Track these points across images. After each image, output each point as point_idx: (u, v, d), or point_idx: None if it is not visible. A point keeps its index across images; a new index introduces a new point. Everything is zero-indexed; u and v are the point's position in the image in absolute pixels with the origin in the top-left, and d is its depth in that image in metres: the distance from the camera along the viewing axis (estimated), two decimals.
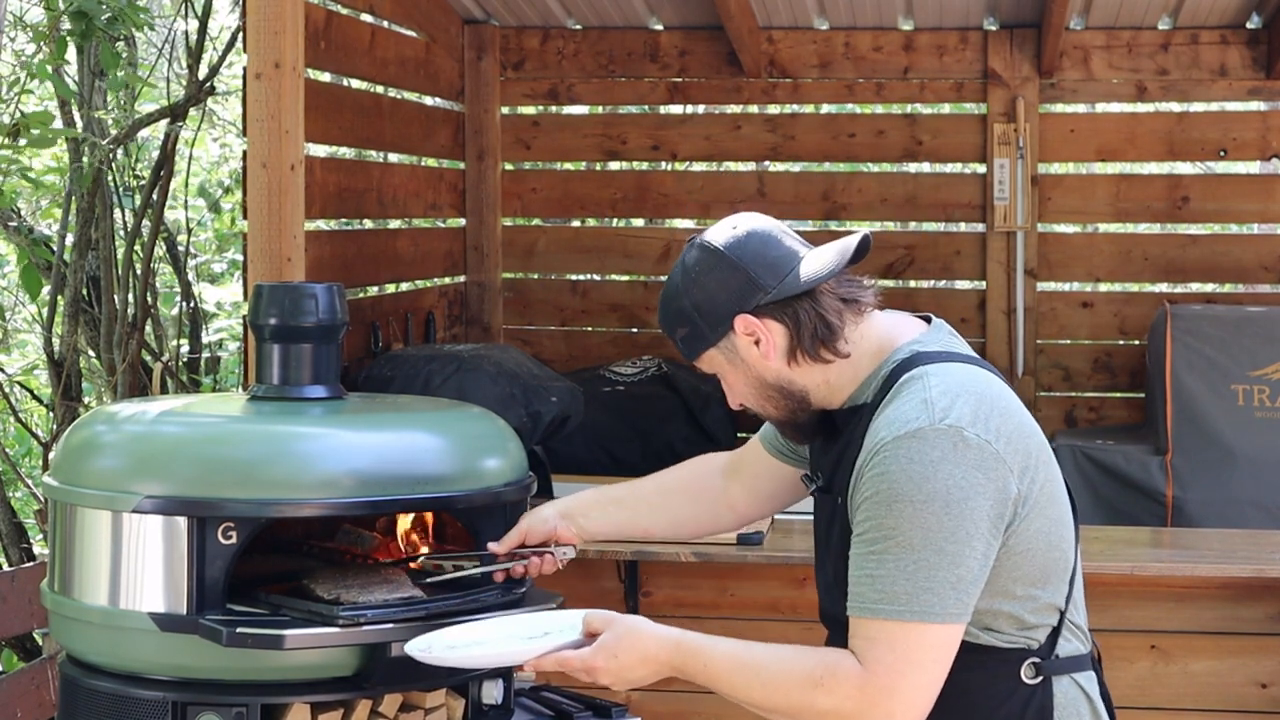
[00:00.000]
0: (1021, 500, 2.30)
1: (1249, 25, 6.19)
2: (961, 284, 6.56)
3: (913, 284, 6.63)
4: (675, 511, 2.86)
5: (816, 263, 2.40)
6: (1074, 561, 2.43)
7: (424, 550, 2.86)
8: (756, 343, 2.40)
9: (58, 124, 5.97)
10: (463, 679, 2.71)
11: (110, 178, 6.02)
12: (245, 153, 4.13)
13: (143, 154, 6.77)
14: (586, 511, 2.83)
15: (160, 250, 6.61)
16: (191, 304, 6.85)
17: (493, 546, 2.73)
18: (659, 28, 6.52)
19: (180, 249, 6.85)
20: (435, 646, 2.44)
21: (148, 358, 6.14)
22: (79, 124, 6.06)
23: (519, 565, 2.73)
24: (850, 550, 2.31)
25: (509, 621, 2.57)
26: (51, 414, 6.40)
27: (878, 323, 2.44)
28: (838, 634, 2.47)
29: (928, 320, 2.50)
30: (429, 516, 2.88)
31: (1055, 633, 2.39)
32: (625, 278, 6.67)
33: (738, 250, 2.40)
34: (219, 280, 7.92)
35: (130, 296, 5.92)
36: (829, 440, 2.48)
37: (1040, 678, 2.38)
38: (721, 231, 2.44)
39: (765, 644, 2.35)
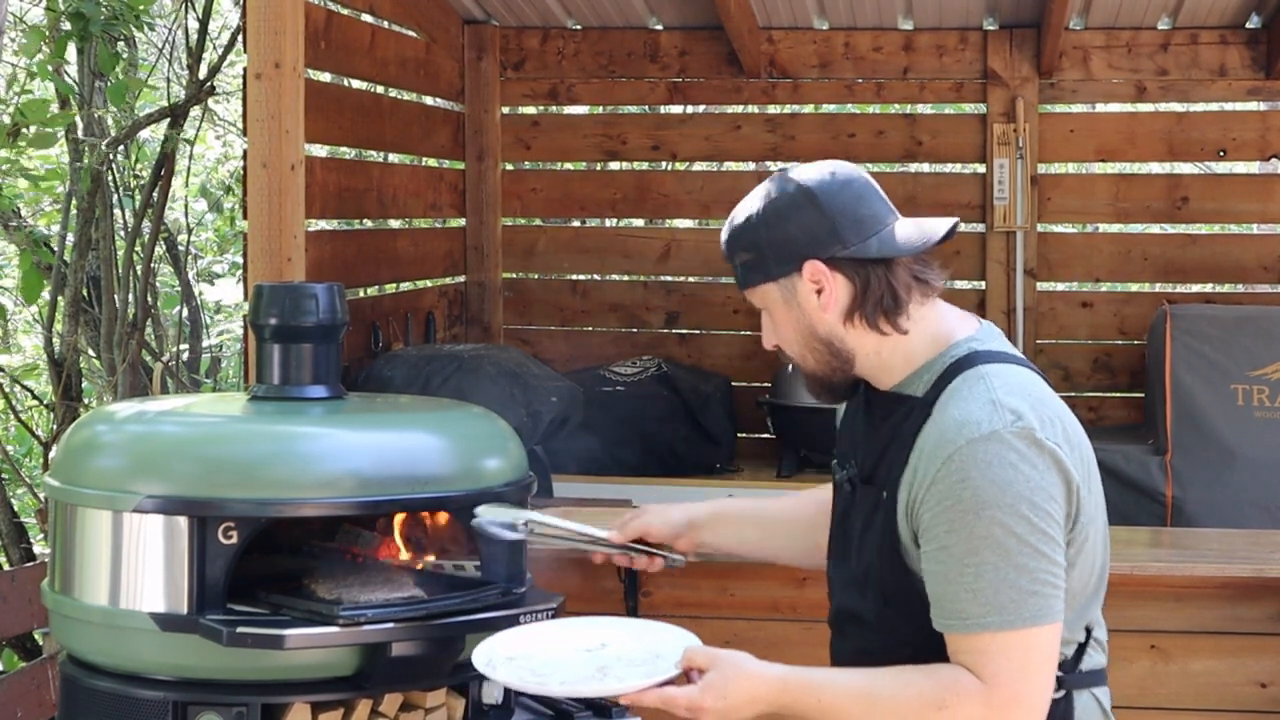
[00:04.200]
0: (1080, 510, 2.26)
1: (1249, 25, 6.20)
2: (961, 284, 6.56)
3: None
4: (808, 540, 2.71)
5: (903, 233, 2.33)
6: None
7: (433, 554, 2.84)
8: (819, 292, 2.33)
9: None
10: (464, 679, 2.71)
11: (110, 178, 6.02)
12: (245, 153, 4.14)
13: (143, 154, 6.77)
14: (714, 524, 2.73)
15: (160, 250, 6.61)
16: (192, 304, 6.85)
17: (611, 535, 2.68)
18: (659, 28, 6.52)
19: (181, 249, 6.85)
20: (495, 659, 2.39)
21: (148, 358, 6.14)
22: (79, 124, 6.06)
23: (625, 557, 2.68)
24: (927, 563, 2.24)
25: (564, 628, 2.51)
26: (52, 414, 6.40)
27: (936, 310, 2.38)
28: (854, 631, 2.44)
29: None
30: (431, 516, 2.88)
31: (1082, 647, 2.36)
32: (625, 278, 6.67)
33: (829, 196, 2.32)
34: (219, 280, 7.92)
35: (130, 297, 5.91)
36: (869, 427, 2.42)
37: (1062, 691, 2.33)
38: (816, 172, 2.35)
39: (873, 670, 2.28)
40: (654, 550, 2.70)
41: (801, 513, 2.76)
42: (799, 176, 2.36)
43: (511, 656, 2.40)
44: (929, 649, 2.29)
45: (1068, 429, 2.27)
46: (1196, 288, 6.44)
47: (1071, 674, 2.35)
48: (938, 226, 2.35)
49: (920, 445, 2.26)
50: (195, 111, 6.30)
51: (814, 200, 2.32)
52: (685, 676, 2.30)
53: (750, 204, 2.39)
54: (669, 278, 6.60)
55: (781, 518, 2.78)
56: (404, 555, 2.79)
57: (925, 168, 7.65)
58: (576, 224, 7.20)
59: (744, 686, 2.26)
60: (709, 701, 2.25)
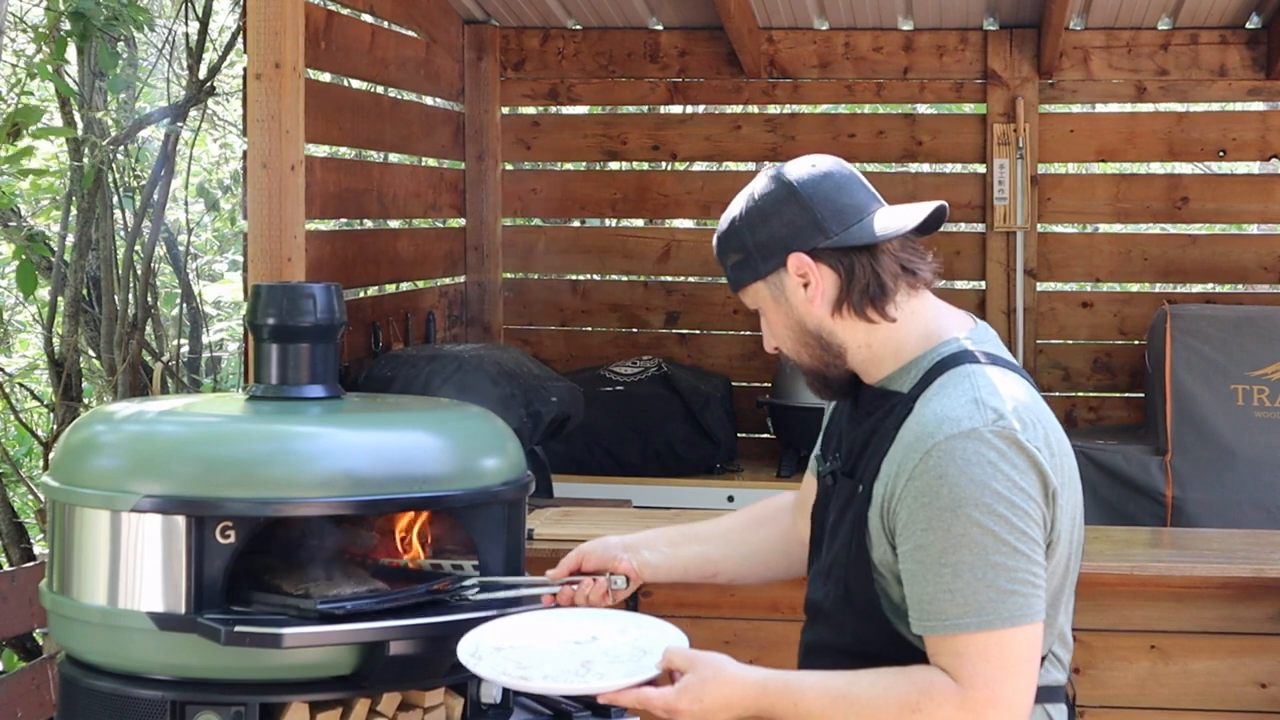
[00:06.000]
0: (1055, 521, 2.23)
1: (1249, 25, 6.20)
2: (961, 284, 6.56)
3: None
4: (748, 546, 2.72)
5: (886, 220, 2.32)
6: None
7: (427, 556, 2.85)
8: (805, 285, 2.32)
9: (57, 122, 5.97)
10: (463, 678, 2.71)
11: (110, 178, 6.02)
12: (245, 153, 4.14)
13: (143, 154, 6.77)
14: (653, 545, 2.70)
15: (160, 250, 6.61)
16: (192, 304, 6.85)
17: (550, 572, 2.65)
18: (659, 28, 6.52)
19: (180, 249, 6.85)
20: (482, 648, 2.39)
21: (148, 358, 6.14)
22: (79, 124, 6.06)
23: (567, 589, 2.63)
24: (905, 564, 2.21)
25: (556, 619, 2.52)
26: (52, 414, 6.40)
27: (930, 306, 2.36)
28: (814, 623, 2.44)
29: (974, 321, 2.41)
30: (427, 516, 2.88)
31: (1040, 660, 2.29)
32: (625, 278, 6.67)
33: (810, 188, 2.32)
34: (219, 280, 7.92)
35: (130, 296, 5.91)
36: (854, 421, 2.40)
37: None
38: (799, 167, 2.36)
39: (852, 674, 2.25)
40: (595, 574, 2.64)
41: (738, 521, 2.75)
42: (779, 172, 2.36)
43: (499, 647, 2.41)
44: (877, 646, 2.29)
45: (1050, 436, 2.25)
46: (1197, 288, 6.44)
47: None
48: (921, 210, 2.34)
49: (900, 439, 2.25)
50: (194, 112, 6.30)
51: (794, 194, 2.32)
52: (667, 677, 2.29)
53: (735, 206, 2.40)
54: (669, 278, 6.60)
55: (718, 530, 2.76)
56: (402, 555, 2.79)
57: (925, 168, 7.65)
58: (576, 224, 7.20)
59: (721, 691, 2.25)
60: (685, 704, 2.24)
